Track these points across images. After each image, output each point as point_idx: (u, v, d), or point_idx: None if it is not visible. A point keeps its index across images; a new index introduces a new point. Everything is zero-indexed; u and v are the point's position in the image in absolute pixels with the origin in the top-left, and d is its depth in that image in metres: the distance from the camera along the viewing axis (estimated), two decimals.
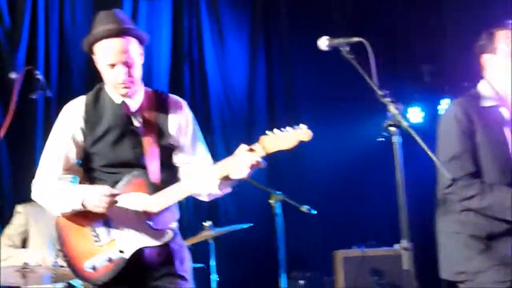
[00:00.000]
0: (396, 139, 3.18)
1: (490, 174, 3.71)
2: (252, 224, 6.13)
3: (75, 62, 7.19)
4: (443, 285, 3.96)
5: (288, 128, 3.53)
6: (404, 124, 3.17)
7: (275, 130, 3.54)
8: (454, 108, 3.82)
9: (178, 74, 7.80)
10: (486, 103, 3.81)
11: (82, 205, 3.62)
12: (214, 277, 6.03)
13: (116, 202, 3.61)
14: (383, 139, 3.22)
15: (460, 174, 3.68)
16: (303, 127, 3.53)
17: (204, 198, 3.90)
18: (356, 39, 3.41)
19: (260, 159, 3.53)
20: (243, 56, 8.16)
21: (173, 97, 3.92)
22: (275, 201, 5.76)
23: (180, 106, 3.89)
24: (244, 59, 8.16)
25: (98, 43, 3.70)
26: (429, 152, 3.19)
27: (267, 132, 3.56)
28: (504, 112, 3.80)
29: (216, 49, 8.03)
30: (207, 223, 5.93)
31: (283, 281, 5.78)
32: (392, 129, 3.19)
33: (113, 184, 3.68)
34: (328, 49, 3.48)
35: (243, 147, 3.53)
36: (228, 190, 3.81)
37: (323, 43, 3.49)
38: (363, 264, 6.94)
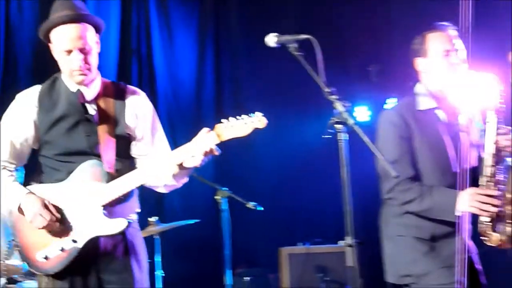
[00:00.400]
0: (342, 137, 3.20)
1: (429, 176, 3.77)
2: (198, 220, 6.12)
3: (22, 58, 7.08)
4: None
5: (243, 116, 3.59)
6: (350, 121, 3.19)
7: (230, 118, 3.58)
8: (390, 113, 3.87)
9: (125, 70, 7.73)
10: (422, 106, 3.85)
11: (19, 208, 3.61)
12: (159, 273, 6.00)
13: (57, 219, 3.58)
14: (329, 136, 3.24)
15: (399, 179, 3.71)
16: (258, 114, 3.62)
17: (162, 189, 3.89)
18: (304, 36, 3.41)
19: (214, 146, 3.55)
20: (191, 52, 8.13)
21: (132, 87, 3.92)
22: (221, 197, 5.77)
23: (138, 96, 3.89)
24: (192, 55, 8.13)
25: (55, 30, 3.67)
26: (375, 150, 3.22)
27: (222, 120, 3.59)
28: (441, 114, 3.85)
29: (164, 44, 7.99)
30: (153, 219, 5.91)
31: (228, 278, 5.79)
32: (338, 126, 3.21)
33: (67, 174, 3.66)
34: (276, 46, 3.49)
35: (203, 132, 3.56)
36: (185, 179, 3.80)
37: (271, 39, 3.49)
38: (308, 261, 6.97)
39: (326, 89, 3.27)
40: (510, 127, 3.71)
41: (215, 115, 8.04)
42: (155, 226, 5.89)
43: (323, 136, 3.28)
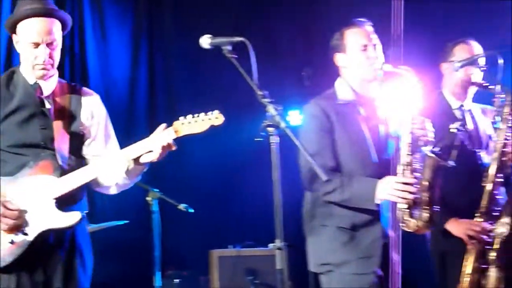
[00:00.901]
0: (274, 140, 3.23)
1: (350, 167, 3.89)
2: (127, 221, 6.08)
3: None
4: (310, 278, 4.05)
5: (201, 114, 3.76)
6: (282, 125, 3.22)
7: (188, 115, 3.75)
8: (311, 107, 3.97)
9: (58, 69, 7.60)
10: (342, 100, 3.99)
11: None
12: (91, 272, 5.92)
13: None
14: (261, 139, 3.26)
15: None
16: (215, 112, 3.78)
17: (114, 189, 3.91)
18: (238, 38, 3.44)
19: (171, 141, 3.64)
20: (125, 52, 8.06)
21: (87, 89, 3.92)
22: (152, 198, 5.73)
23: (93, 98, 3.89)
24: (126, 55, 8.06)
25: (24, 21, 3.65)
26: (306, 153, 3.25)
27: (180, 118, 3.74)
28: (360, 107, 3.98)
29: (98, 44, 7.89)
30: None
31: (157, 280, 5.75)
32: (270, 129, 3.24)
33: (19, 168, 3.62)
34: (210, 48, 3.51)
35: (160, 128, 3.64)
36: (136, 178, 3.85)
37: (205, 41, 3.52)
38: (238, 264, 6.98)
39: (259, 92, 3.30)
40: (425, 118, 3.86)
41: (148, 115, 7.99)
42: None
43: (255, 139, 3.31)
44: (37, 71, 3.69)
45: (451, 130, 4.18)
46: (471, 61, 4.37)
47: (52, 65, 3.72)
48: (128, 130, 7.61)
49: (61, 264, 3.68)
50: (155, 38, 8.19)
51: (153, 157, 3.65)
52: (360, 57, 3.95)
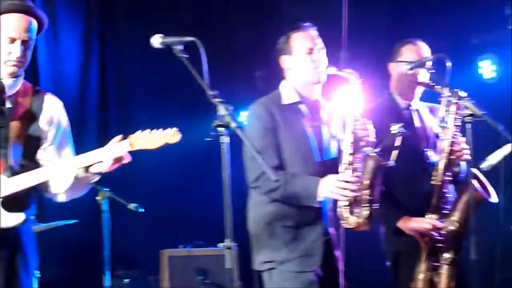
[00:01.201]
0: (224, 140, 3.24)
1: (293, 166, 3.95)
2: (76, 221, 6.03)
3: None
4: (254, 277, 4.08)
5: (159, 130, 3.73)
6: (232, 125, 3.23)
7: (146, 130, 3.74)
8: (256, 107, 4.04)
9: None
10: (287, 101, 4.04)
11: None
12: (35, 274, 5.87)
13: None
14: (211, 139, 3.27)
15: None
16: (173, 130, 3.74)
17: (62, 197, 3.87)
18: (189, 38, 3.44)
19: (124, 154, 3.67)
20: (76, 53, 7.99)
21: (52, 95, 3.86)
22: (102, 198, 5.70)
23: (56, 104, 3.84)
24: (77, 54, 7.99)
25: (4, 16, 3.60)
26: (256, 154, 3.27)
27: (136, 132, 3.73)
28: (303, 109, 4.05)
29: (49, 42, 7.82)
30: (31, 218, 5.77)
31: (107, 279, 5.72)
32: (221, 129, 3.25)
33: None
34: (161, 47, 3.50)
35: (115, 140, 3.63)
36: (85, 189, 3.85)
37: (156, 40, 3.51)
38: (189, 264, 6.98)
39: (210, 92, 3.30)
40: (366, 120, 3.96)
41: (99, 114, 7.93)
42: (33, 226, 5.75)
43: (205, 139, 3.32)
44: (8, 67, 3.63)
45: (392, 132, 4.25)
46: (421, 63, 4.43)
47: (24, 64, 3.67)
48: (78, 130, 7.55)
49: (3, 263, 3.63)
50: (106, 38, 8.15)
51: (104, 167, 3.65)
52: (305, 60, 4.02)
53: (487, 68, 7.00)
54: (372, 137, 3.93)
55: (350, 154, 3.89)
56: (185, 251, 7.07)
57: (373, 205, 3.89)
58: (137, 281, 7.02)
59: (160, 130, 3.72)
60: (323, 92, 4.15)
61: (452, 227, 4.33)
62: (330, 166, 3.96)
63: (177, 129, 3.67)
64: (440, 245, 4.35)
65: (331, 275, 4.02)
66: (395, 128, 4.20)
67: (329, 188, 3.83)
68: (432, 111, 4.68)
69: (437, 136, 4.55)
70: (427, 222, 4.34)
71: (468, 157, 4.36)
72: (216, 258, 6.85)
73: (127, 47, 8.15)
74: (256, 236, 4.05)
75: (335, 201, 3.97)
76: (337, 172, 3.89)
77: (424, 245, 4.35)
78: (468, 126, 4.01)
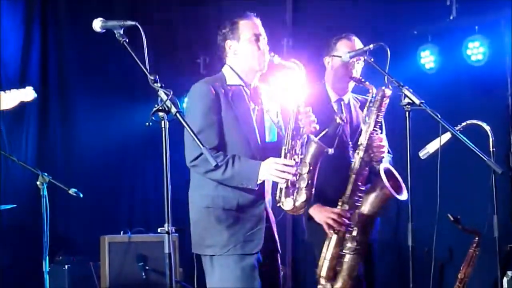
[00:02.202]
0: (164, 124, 3.23)
1: (235, 147, 3.97)
2: (14, 206, 5.97)
3: None
4: (195, 261, 4.08)
5: (13, 89, 3.81)
6: (173, 110, 3.23)
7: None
8: (199, 85, 4.03)
9: None
10: (230, 82, 4.07)
11: None
12: None
13: None
14: (150, 124, 3.26)
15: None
16: (28, 88, 3.87)
17: None
18: (130, 22, 3.42)
19: None
20: (16, 38, 7.84)
21: None
22: (42, 182, 5.64)
23: None
24: (18, 41, 7.84)
25: None
26: (195, 138, 3.27)
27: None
28: (247, 92, 4.07)
29: None
30: None
31: (46, 265, 5.68)
32: (161, 114, 3.24)
33: None
34: (102, 31, 3.47)
35: None
36: None
37: (97, 24, 3.48)
38: (129, 250, 6.96)
39: (150, 77, 3.28)
40: (309, 107, 4.00)
41: (40, 103, 7.80)
42: None
43: (146, 124, 3.29)
44: None
45: (337, 121, 4.32)
46: (361, 52, 4.49)
47: None
48: (18, 115, 7.46)
49: None
50: (48, 23, 8.02)
51: None
52: (252, 47, 4.05)
53: (427, 58, 7.09)
54: (314, 124, 3.98)
55: (292, 139, 3.94)
56: (126, 237, 7.04)
57: (311, 189, 3.94)
58: (77, 267, 6.96)
59: (15, 89, 3.87)
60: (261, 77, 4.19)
61: (357, 218, 4.44)
62: (271, 149, 4.00)
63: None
64: (348, 235, 4.44)
65: (271, 259, 4.07)
66: (339, 118, 4.30)
67: (269, 171, 3.86)
68: (363, 105, 4.76)
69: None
70: (336, 212, 4.42)
71: (383, 156, 4.46)
72: (156, 244, 6.85)
73: (68, 31, 8.05)
74: (196, 220, 4.04)
75: (274, 188, 4.01)
76: (277, 156, 3.93)
77: (330, 233, 4.44)
78: (407, 114, 4.08)
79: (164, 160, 3.24)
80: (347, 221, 4.42)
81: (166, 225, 3.23)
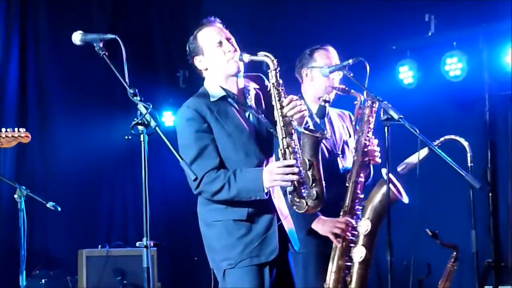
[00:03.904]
0: (143, 138, 3.22)
1: (235, 161, 3.86)
2: None
3: None
4: (213, 276, 4.00)
5: (9, 130, 3.93)
6: (152, 123, 3.21)
7: None
8: (184, 110, 3.92)
9: None
10: (214, 97, 3.94)
11: None
12: None
13: None
14: (129, 137, 3.24)
15: (204, 171, 3.78)
16: (22, 130, 3.98)
17: None
18: (110, 36, 3.41)
19: None
20: None
21: None
22: (20, 196, 5.60)
23: None
24: None
25: None
26: (175, 152, 3.25)
27: None
28: (232, 102, 3.95)
29: None
30: None
31: (23, 279, 5.63)
32: (140, 127, 3.22)
33: None
34: (81, 44, 3.47)
35: None
36: None
37: (77, 37, 3.47)
38: (107, 264, 6.92)
39: (130, 90, 3.27)
40: (294, 97, 3.87)
41: (18, 115, 7.77)
42: None
43: (125, 137, 3.27)
44: None
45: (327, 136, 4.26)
46: (341, 67, 4.49)
47: None
48: None
49: None
50: (27, 36, 7.99)
51: None
52: (217, 54, 3.93)
53: (406, 74, 7.13)
54: (303, 113, 3.85)
55: (284, 137, 3.81)
56: (104, 251, 7.00)
57: (319, 182, 3.82)
58: (54, 281, 6.92)
59: (10, 129, 3.76)
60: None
61: (366, 227, 4.42)
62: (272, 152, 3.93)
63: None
64: (352, 245, 4.43)
65: (286, 263, 3.99)
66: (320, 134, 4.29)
67: (271, 177, 3.75)
68: (341, 116, 4.76)
69: (345, 142, 4.64)
70: (342, 221, 4.41)
71: (379, 160, 4.47)
72: (134, 258, 6.82)
73: (48, 43, 8.03)
74: (207, 236, 3.96)
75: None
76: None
77: (337, 245, 4.42)
78: (386, 129, 4.09)
79: (143, 174, 3.21)
80: (352, 229, 4.41)
81: (144, 239, 3.22)
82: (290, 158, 3.80)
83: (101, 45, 3.41)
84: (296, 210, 3.85)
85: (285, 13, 7.97)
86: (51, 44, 7.97)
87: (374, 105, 4.42)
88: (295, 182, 3.78)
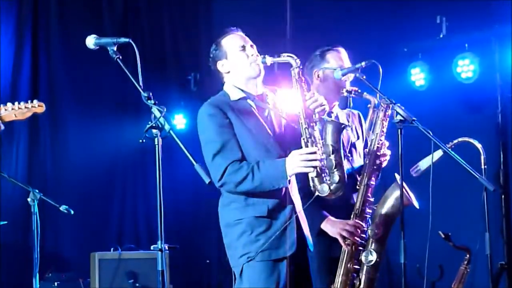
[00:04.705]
0: (158, 141, 3.23)
1: (256, 157, 3.92)
2: (6, 222, 5.94)
3: None
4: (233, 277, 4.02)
5: (22, 102, 4.20)
6: (167, 126, 3.23)
7: (8, 103, 4.21)
8: (205, 107, 4.01)
9: None
10: (234, 97, 4.04)
11: None
12: None
13: None
14: (143, 140, 3.26)
15: (228, 163, 3.85)
16: (35, 102, 4.18)
17: None
18: (123, 39, 3.45)
19: None
20: (8, 52, 7.84)
21: None
22: (33, 199, 5.61)
23: None
24: (8, 55, 7.84)
25: None
26: (189, 155, 3.26)
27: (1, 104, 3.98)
28: (251, 103, 4.04)
29: None
30: None
31: (36, 282, 5.64)
32: (155, 131, 3.24)
33: None
34: (95, 48, 3.49)
35: None
36: None
37: (91, 41, 3.50)
38: (120, 267, 6.93)
39: (144, 94, 3.29)
40: (316, 92, 4.03)
41: (31, 119, 7.73)
42: None
43: (140, 141, 3.29)
44: None
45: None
46: (353, 69, 4.48)
47: None
48: (8, 126, 7.41)
49: None
50: (39, 38, 8.02)
51: None
52: (240, 57, 4.05)
53: (417, 76, 7.12)
54: (324, 105, 3.98)
55: (306, 128, 3.93)
56: (116, 254, 7.01)
57: (341, 167, 3.93)
58: (67, 284, 6.93)
59: (23, 102, 4.30)
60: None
61: (376, 230, 4.41)
62: (292, 150, 3.96)
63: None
64: (361, 248, 4.42)
65: (303, 257, 4.03)
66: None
67: (295, 163, 3.84)
68: (349, 116, 4.75)
69: (353, 145, 4.64)
70: (351, 224, 4.41)
71: (385, 162, 4.48)
72: (147, 261, 6.84)
73: (59, 47, 8.05)
74: (229, 236, 3.99)
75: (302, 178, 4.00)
76: None
77: (346, 247, 4.41)
78: (399, 132, 4.08)
79: (157, 177, 3.23)
80: (361, 233, 4.41)
81: (159, 242, 3.22)
82: (312, 146, 3.91)
83: (115, 48, 3.43)
84: (319, 194, 3.91)
85: (295, 15, 7.97)
86: (62, 47, 8.00)
87: (388, 108, 4.41)
88: (318, 168, 3.88)
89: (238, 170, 3.87)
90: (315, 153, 3.87)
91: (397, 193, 4.33)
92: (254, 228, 3.91)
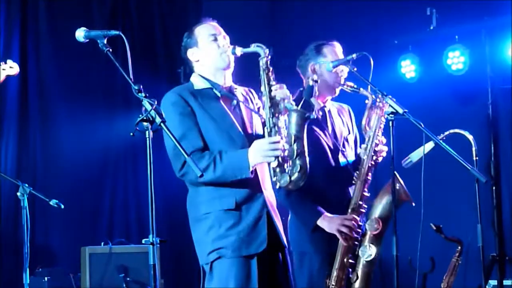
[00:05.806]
0: (149, 135, 3.21)
1: (219, 144, 3.90)
2: None
3: None
4: (202, 274, 3.99)
5: None
6: (158, 119, 3.21)
7: None
8: (168, 95, 4.00)
9: None
10: (198, 87, 4.02)
11: None
12: None
13: None
14: (134, 134, 3.24)
15: (189, 152, 3.73)
16: (9, 61, 4.08)
17: None
18: (113, 32, 3.43)
19: None
20: None
21: None
22: (23, 194, 5.59)
23: None
24: None
25: None
26: (181, 148, 3.25)
27: None
28: (217, 93, 4.01)
29: None
30: None
31: (26, 277, 5.63)
32: (146, 124, 3.22)
33: None
34: (85, 41, 3.48)
35: None
36: None
37: (80, 34, 3.49)
38: (110, 261, 6.91)
39: (134, 87, 3.27)
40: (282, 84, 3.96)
41: (20, 111, 7.75)
42: None
43: (131, 134, 3.27)
44: None
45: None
46: (344, 61, 4.47)
47: None
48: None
49: None
50: (28, 31, 7.97)
51: None
52: (211, 47, 4.03)
53: (408, 68, 7.12)
54: (287, 93, 3.93)
55: (270, 117, 3.88)
56: (106, 248, 6.99)
57: (303, 156, 3.85)
58: (57, 278, 6.90)
59: None
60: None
61: (375, 226, 4.40)
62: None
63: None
64: (357, 243, 4.42)
65: (277, 250, 3.99)
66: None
67: (258, 153, 3.80)
68: (340, 111, 4.74)
69: (346, 139, 4.64)
70: (347, 218, 4.40)
71: (381, 158, 4.48)
72: (138, 255, 6.82)
73: (48, 40, 8.00)
74: (196, 230, 3.97)
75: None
76: None
77: (344, 242, 4.40)
78: (391, 124, 4.08)
79: (148, 170, 3.21)
80: (358, 228, 4.40)
81: (150, 236, 3.21)
82: (275, 135, 3.86)
83: (105, 41, 3.41)
84: (280, 185, 3.86)
85: (285, 9, 7.97)
86: (51, 41, 7.94)
87: (384, 104, 4.37)
88: (279, 158, 3.82)
89: (199, 160, 3.82)
90: (278, 142, 3.82)
91: (396, 188, 4.32)
92: (222, 222, 3.86)
